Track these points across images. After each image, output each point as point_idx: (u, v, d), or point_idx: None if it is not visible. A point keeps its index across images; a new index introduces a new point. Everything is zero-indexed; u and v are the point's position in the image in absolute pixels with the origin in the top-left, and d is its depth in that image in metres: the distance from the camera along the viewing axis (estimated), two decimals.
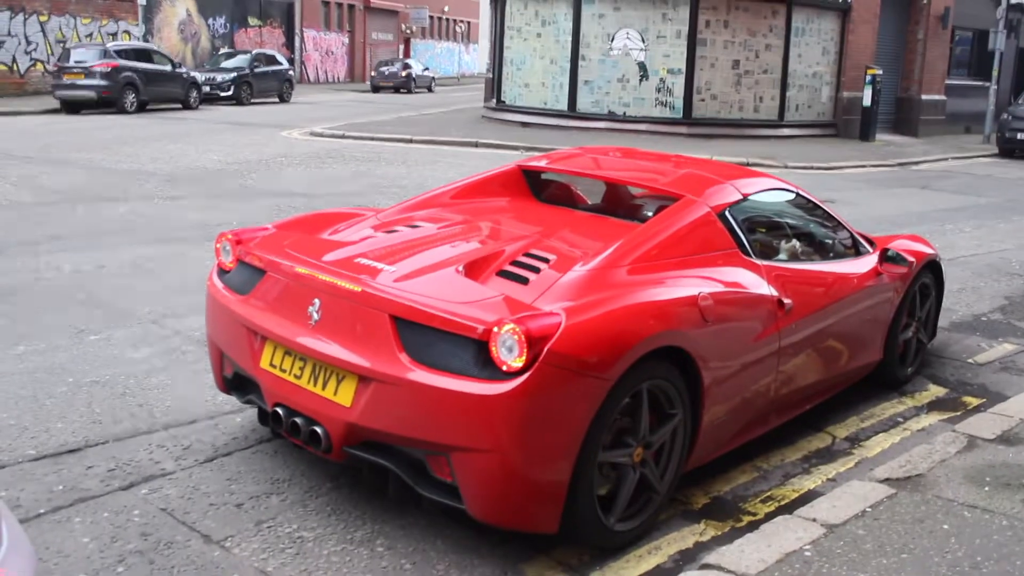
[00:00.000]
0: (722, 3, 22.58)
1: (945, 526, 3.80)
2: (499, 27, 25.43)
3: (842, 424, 5.24)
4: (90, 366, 5.45)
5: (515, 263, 3.94)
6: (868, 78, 24.14)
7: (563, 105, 23.44)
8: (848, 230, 5.59)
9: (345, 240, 4.34)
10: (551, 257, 4.01)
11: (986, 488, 4.17)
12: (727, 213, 4.56)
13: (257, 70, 30.86)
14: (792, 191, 5.35)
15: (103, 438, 4.50)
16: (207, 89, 28.45)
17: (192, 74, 27.81)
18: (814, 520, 3.81)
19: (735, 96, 23.12)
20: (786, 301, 4.48)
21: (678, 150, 18.74)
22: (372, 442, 3.63)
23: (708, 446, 4.18)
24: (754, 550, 3.55)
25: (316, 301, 3.80)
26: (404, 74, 42.55)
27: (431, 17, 58.24)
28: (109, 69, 23.84)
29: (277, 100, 31.87)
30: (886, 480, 4.22)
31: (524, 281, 3.78)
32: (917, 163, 21.00)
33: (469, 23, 66.61)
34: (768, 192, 5.17)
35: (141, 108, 24.90)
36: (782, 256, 4.98)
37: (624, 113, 22.81)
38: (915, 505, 3.98)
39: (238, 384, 4.34)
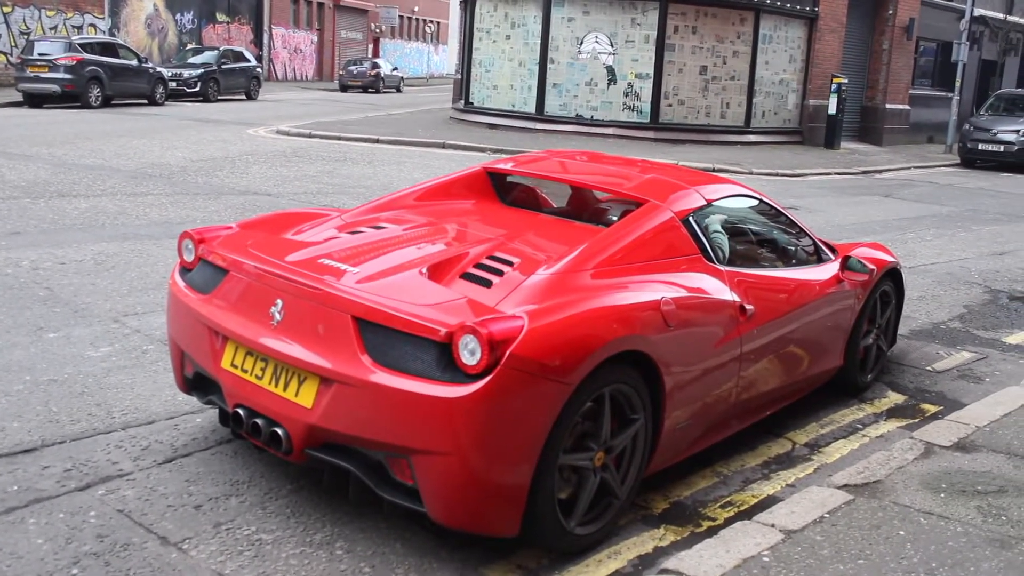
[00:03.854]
0: (691, 9, 22.71)
1: (901, 532, 3.84)
2: (468, 28, 25.43)
3: (802, 430, 5.28)
4: (48, 364, 5.38)
5: (479, 266, 3.94)
6: (834, 86, 24.38)
7: (531, 108, 23.47)
8: (810, 237, 5.64)
9: (308, 240, 4.31)
10: (515, 260, 4.01)
11: (942, 495, 4.22)
12: (691, 219, 4.58)
13: (224, 67, 30.67)
14: (756, 197, 5.41)
15: (60, 438, 4.44)
16: (173, 85, 28.19)
17: (158, 69, 27.54)
18: (773, 526, 3.84)
19: (702, 102, 23.25)
20: (748, 307, 4.51)
21: (645, 155, 18.83)
22: (333, 444, 3.60)
23: (669, 451, 4.20)
24: (713, 555, 3.57)
25: (278, 301, 3.77)
26: (373, 73, 42.43)
27: (401, 17, 58.16)
28: (74, 63, 23.56)
29: (244, 97, 31.68)
30: (844, 486, 4.26)
31: (487, 284, 3.78)
32: (880, 171, 21.23)
33: (439, 23, 66.55)
34: (732, 198, 5.19)
35: (106, 103, 24.65)
36: (745, 262, 5.00)
37: (592, 117, 22.87)
38: (872, 511, 4.02)
39: (199, 384, 4.29)
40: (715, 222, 4.94)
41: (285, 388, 3.68)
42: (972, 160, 23.93)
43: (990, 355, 6.99)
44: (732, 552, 3.60)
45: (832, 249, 5.79)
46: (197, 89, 29.16)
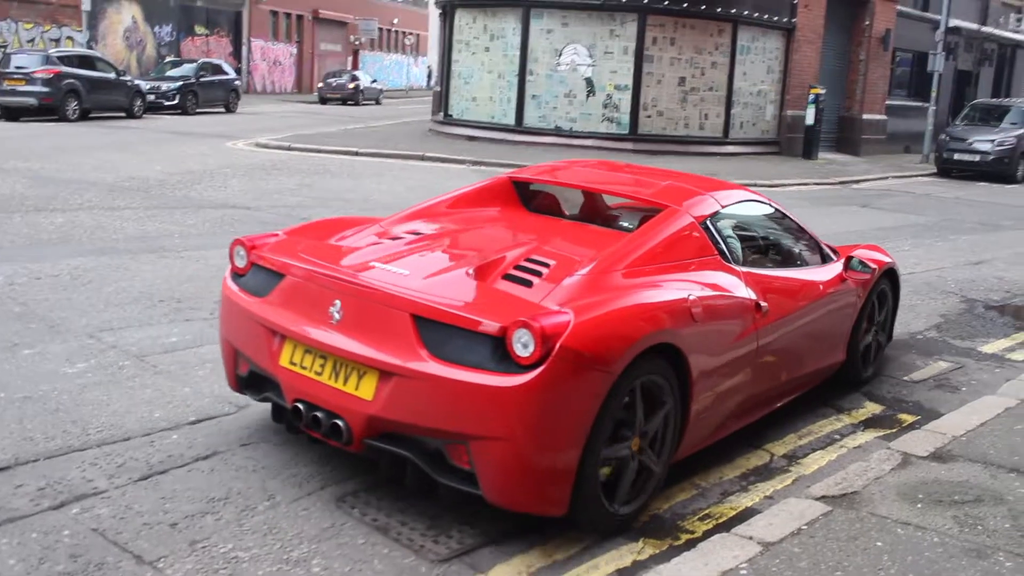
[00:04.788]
0: (669, 20, 22.81)
1: (879, 543, 3.85)
2: (447, 40, 25.46)
3: (780, 441, 5.29)
4: (23, 381, 5.33)
5: (518, 267, 4.25)
6: (811, 97, 24.54)
7: (510, 120, 23.50)
8: (815, 239, 5.97)
9: (355, 245, 4.61)
10: (551, 262, 4.32)
11: (919, 505, 4.24)
12: (708, 222, 4.93)
13: (203, 79, 30.56)
14: (764, 202, 5.75)
15: (34, 456, 4.40)
16: (152, 98, 28.04)
17: (137, 82, 27.42)
18: (751, 538, 3.84)
19: (681, 113, 23.35)
20: (763, 304, 4.86)
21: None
22: (391, 434, 3.88)
23: (695, 436, 4.51)
24: (691, 568, 3.57)
25: (337, 302, 4.04)
26: (352, 86, 42.37)
27: (380, 29, 58.14)
28: (51, 76, 23.45)
29: (223, 110, 31.57)
30: (822, 497, 4.27)
31: (528, 284, 4.11)
32: (858, 182, 21.36)
33: (418, 35, 66.60)
34: (743, 203, 5.52)
35: (84, 116, 24.54)
36: (757, 262, 5.36)
37: (571, 128, 22.91)
38: (850, 522, 4.02)
39: (252, 382, 4.54)
40: (729, 225, 5.30)
41: (345, 382, 3.95)
42: (948, 170, 24.10)
43: (966, 364, 7.03)
44: (710, 565, 3.60)
45: (834, 251, 6.11)
46: (176, 102, 29.04)
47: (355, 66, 53.13)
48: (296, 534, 3.85)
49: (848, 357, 6.10)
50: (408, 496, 4.21)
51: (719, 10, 23.02)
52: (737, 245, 5.20)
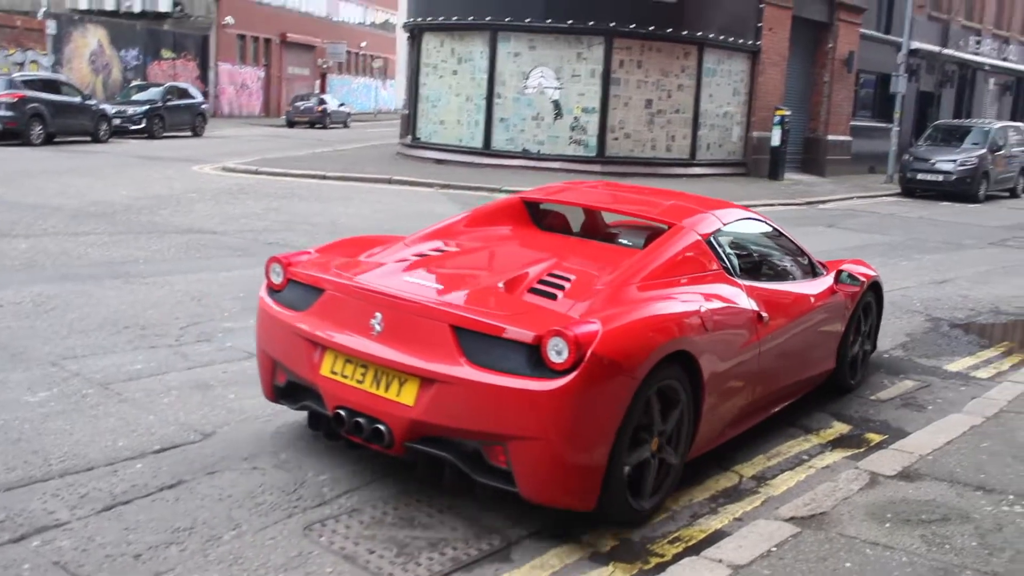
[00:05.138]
0: (636, 43, 22.98)
1: (848, 564, 3.85)
2: (415, 64, 25.50)
3: (749, 463, 5.29)
4: None
5: (542, 282, 4.59)
6: (777, 119, 24.77)
7: (478, 143, 23.55)
8: (807, 254, 6.35)
9: (385, 262, 4.91)
10: (571, 276, 4.67)
11: (887, 525, 4.25)
12: (711, 239, 5.29)
13: (170, 103, 30.39)
14: (761, 220, 6.17)
15: None
16: (118, 122, 27.82)
17: (102, 106, 27.21)
18: (720, 561, 3.83)
19: (648, 135, 23.49)
20: (764, 315, 5.21)
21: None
22: (431, 437, 4.16)
23: (705, 437, 4.82)
24: None
25: (377, 314, 4.32)
26: (320, 109, 42.30)
27: (348, 52, 58.14)
28: (15, 100, 23.21)
29: (190, 134, 31.38)
30: (791, 519, 4.28)
31: (553, 297, 4.45)
32: (824, 202, 21.55)
33: (386, 59, 66.65)
34: (742, 221, 5.90)
35: (48, 140, 24.29)
36: (757, 276, 5.74)
37: (539, 151, 22.98)
38: (819, 543, 4.03)
39: (289, 392, 4.81)
40: (729, 241, 5.67)
41: (387, 389, 4.23)
42: (912, 190, 24.37)
43: (932, 383, 7.08)
44: None
45: (823, 265, 6.47)
46: (142, 126, 28.83)
47: (323, 89, 53.11)
48: (262, 564, 3.80)
49: (838, 365, 6.46)
50: (375, 524, 4.17)
51: (685, 33, 23.22)
52: (737, 260, 5.55)
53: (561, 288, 4.53)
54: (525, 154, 22.95)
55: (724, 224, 5.51)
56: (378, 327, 4.30)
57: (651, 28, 22.76)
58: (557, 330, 3.93)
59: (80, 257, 9.76)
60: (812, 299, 5.95)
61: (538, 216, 6.00)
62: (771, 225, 6.21)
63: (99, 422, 5.17)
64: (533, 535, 4.22)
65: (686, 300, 4.68)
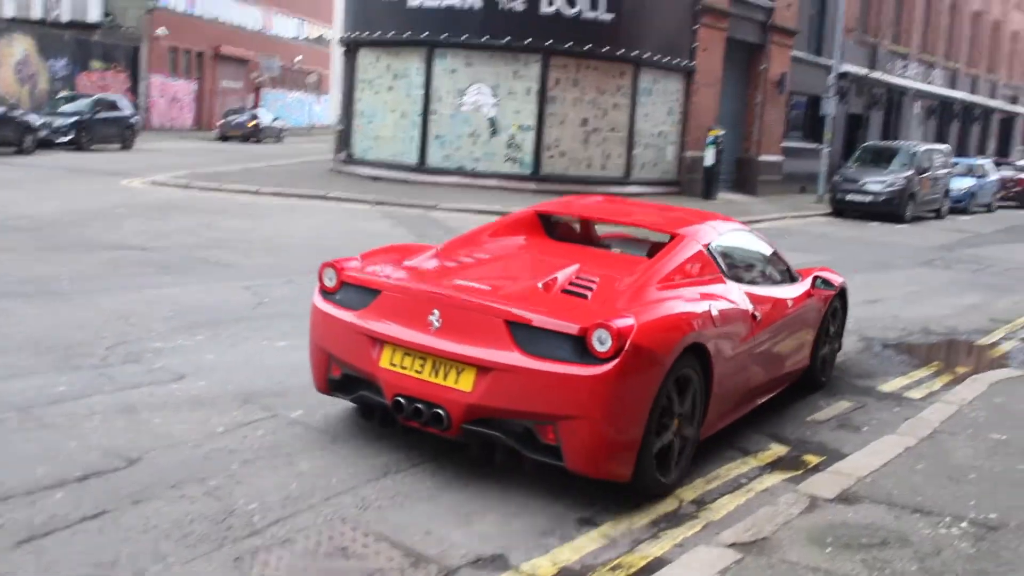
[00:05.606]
0: (572, 62, 23.07)
1: None
2: (351, 79, 25.33)
3: (689, 486, 5.25)
4: None
5: (572, 284, 5.19)
6: (710, 138, 25.03)
7: (413, 159, 23.42)
8: (785, 262, 6.98)
9: (429, 267, 5.50)
10: (595, 279, 5.29)
11: (828, 550, 4.23)
12: (710, 247, 5.95)
13: (99, 115, 29.72)
14: (747, 231, 6.82)
15: None
16: (44, 134, 27.08)
17: (28, 117, 26.54)
18: None
19: (583, 153, 23.58)
20: (757, 314, 5.89)
21: (528, 205, 18.93)
22: (485, 420, 4.73)
23: (712, 419, 5.47)
24: None
25: (435, 311, 4.87)
26: (253, 123, 41.86)
27: (282, 67, 57.67)
28: None
29: (120, 147, 30.72)
30: (733, 545, 4.23)
31: (584, 296, 5.07)
32: (757, 221, 21.74)
33: (321, 73, 66.21)
34: (733, 232, 6.53)
35: None
36: (748, 280, 6.28)
37: (474, 168, 22.93)
38: (761, 570, 3.99)
39: (344, 384, 5.33)
40: (724, 249, 6.20)
41: (445, 378, 4.78)
42: (842, 210, 24.76)
43: (867, 403, 7.13)
44: None
45: (798, 272, 7.12)
46: (70, 138, 28.11)
47: (256, 103, 52.55)
48: None
49: (811, 362, 7.13)
50: (308, 554, 4.04)
51: (621, 52, 23.38)
52: (730, 266, 6.14)
53: (589, 289, 5.14)
54: (461, 171, 22.88)
55: (719, 234, 6.20)
56: (436, 323, 4.85)
57: (587, 47, 22.88)
58: (601, 323, 4.55)
59: (2, 275, 9.43)
60: (792, 302, 6.62)
61: (549, 228, 6.66)
62: (755, 235, 6.90)
63: (17, 448, 4.95)
64: (473, 564, 4.12)
65: (697, 300, 5.34)
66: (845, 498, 4.88)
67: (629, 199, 7.58)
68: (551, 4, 22.60)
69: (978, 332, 10.35)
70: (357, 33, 24.85)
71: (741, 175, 28.95)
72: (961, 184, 28.58)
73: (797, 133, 32.71)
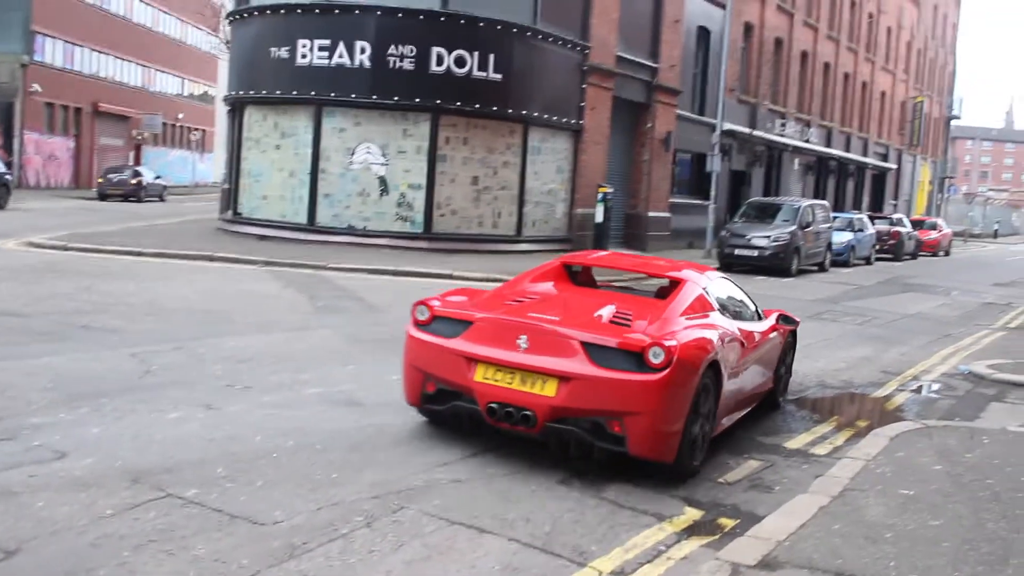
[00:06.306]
0: (461, 120, 23.08)
1: None
2: (236, 137, 24.88)
3: (607, 557, 5.06)
4: None
5: (615, 316, 6.68)
6: (600, 196, 25.30)
7: (302, 218, 23.02)
8: (754, 303, 8.58)
9: (500, 304, 6.92)
10: (631, 313, 6.77)
11: None
12: (707, 289, 7.51)
13: None
14: (725, 278, 8.39)
15: None
16: None
17: None
18: None
19: (474, 211, 23.53)
20: (744, 342, 7.39)
21: (420, 264, 18.71)
22: (564, 419, 6.14)
23: (720, 416, 7.00)
24: None
25: (523, 336, 6.31)
26: (134, 182, 40.73)
27: (165, 124, 56.59)
28: None
29: None
30: None
31: (628, 325, 6.52)
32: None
33: (204, 131, 65.20)
34: (717, 279, 8.10)
35: None
36: (733, 316, 7.66)
37: (364, 227, 22.63)
38: None
39: (437, 397, 6.67)
40: (713, 290, 7.67)
41: (532, 387, 6.19)
42: (730, 264, 25.17)
43: (776, 462, 7.11)
44: None
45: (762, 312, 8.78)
46: None
47: (138, 161, 51.35)
48: None
49: (775, 384, 8.70)
50: None
51: (510, 111, 23.52)
52: (722, 303, 7.65)
53: (629, 319, 6.62)
54: (351, 230, 22.57)
55: (710, 280, 7.79)
56: (524, 344, 6.27)
57: (476, 106, 22.94)
58: (655, 341, 6.09)
59: None
60: (761, 335, 8.07)
61: (573, 275, 8.21)
62: (733, 281, 8.51)
63: None
64: None
65: (710, 327, 6.87)
66: (767, 564, 4.78)
67: (636, 254, 9.43)
68: (440, 63, 22.61)
69: (872, 385, 10.52)
70: (243, 91, 24.48)
71: (630, 231, 29.32)
72: (841, 238, 29.45)
73: (684, 189, 33.37)
